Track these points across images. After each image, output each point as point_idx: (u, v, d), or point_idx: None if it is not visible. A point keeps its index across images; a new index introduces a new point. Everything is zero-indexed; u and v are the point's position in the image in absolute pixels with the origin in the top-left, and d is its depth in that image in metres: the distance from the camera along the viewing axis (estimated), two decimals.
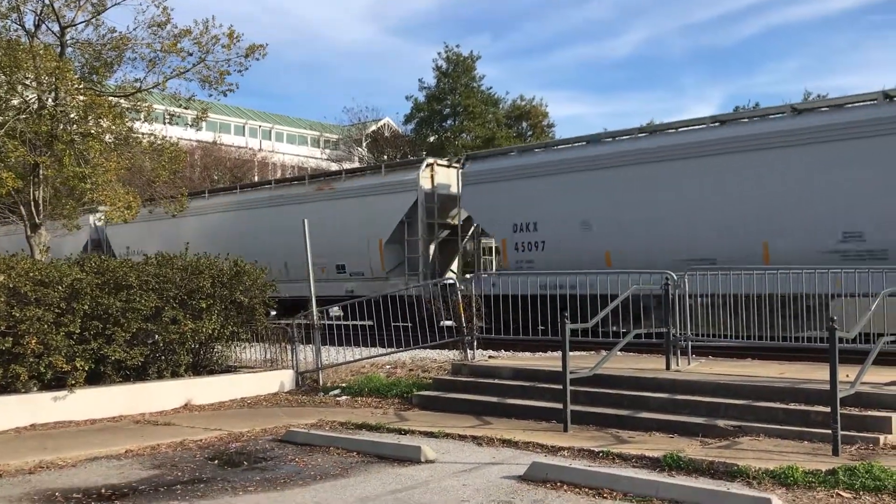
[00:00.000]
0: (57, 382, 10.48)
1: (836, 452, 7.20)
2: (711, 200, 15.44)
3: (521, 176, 18.47)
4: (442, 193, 20.74)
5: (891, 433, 7.71)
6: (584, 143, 18.35)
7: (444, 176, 20.90)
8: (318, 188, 22.85)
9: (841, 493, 6.24)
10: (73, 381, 10.41)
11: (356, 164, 46.53)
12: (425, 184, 20.50)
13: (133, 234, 25.91)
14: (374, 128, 52.02)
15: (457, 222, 21.15)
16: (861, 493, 6.20)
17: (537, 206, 18.02)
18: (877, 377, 8.75)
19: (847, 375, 7.87)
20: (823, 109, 15.07)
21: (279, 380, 12.79)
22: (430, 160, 21.22)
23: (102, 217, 23.84)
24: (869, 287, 10.21)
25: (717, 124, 16.03)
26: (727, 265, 13.12)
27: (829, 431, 7.32)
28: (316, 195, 22.57)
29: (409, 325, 13.46)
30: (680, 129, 16.88)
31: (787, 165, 14.52)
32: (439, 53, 43.34)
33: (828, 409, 7.49)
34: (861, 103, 14.42)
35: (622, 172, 16.71)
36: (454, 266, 21.67)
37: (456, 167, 20.79)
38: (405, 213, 20.41)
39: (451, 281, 14.78)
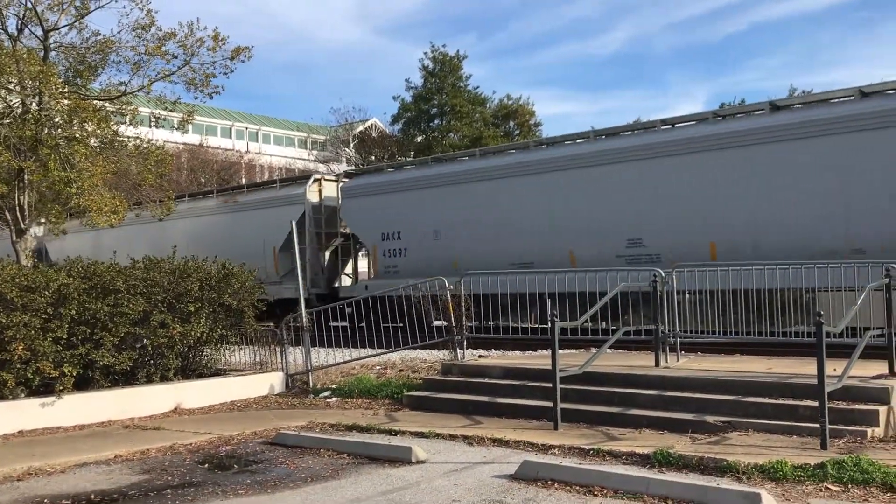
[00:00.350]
0: (45, 388, 10.41)
1: (824, 446, 7.25)
2: (528, 214, 18.24)
3: (388, 191, 21.35)
4: (329, 206, 23.16)
5: (878, 426, 7.77)
6: (440, 161, 21.91)
7: (331, 190, 23.31)
8: (225, 201, 25.40)
9: (830, 486, 6.28)
10: (61, 387, 10.34)
11: (344, 165, 46.48)
12: (313, 197, 22.88)
13: (73, 245, 25.48)
14: (361, 128, 51.96)
15: (349, 231, 23.51)
16: (849, 486, 6.24)
17: (401, 218, 20.85)
18: (864, 371, 8.81)
19: (834, 370, 7.93)
20: (626, 133, 18.02)
21: (269, 382, 12.76)
22: (318, 176, 24.20)
23: (45, 229, 24.04)
24: (843, 282, 10.43)
25: (543, 146, 19.31)
26: (543, 267, 15.42)
27: (818, 425, 7.37)
28: (223, 207, 24.87)
29: (401, 325, 13.48)
30: (507, 152, 20.29)
31: (589, 184, 17.31)
32: (426, 53, 43.44)
33: (816, 404, 7.53)
34: (633, 131, 17.86)
35: (462, 189, 19.74)
36: (348, 270, 24.04)
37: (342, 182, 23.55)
38: (295, 223, 21.35)
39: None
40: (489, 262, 17.25)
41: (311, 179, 23.38)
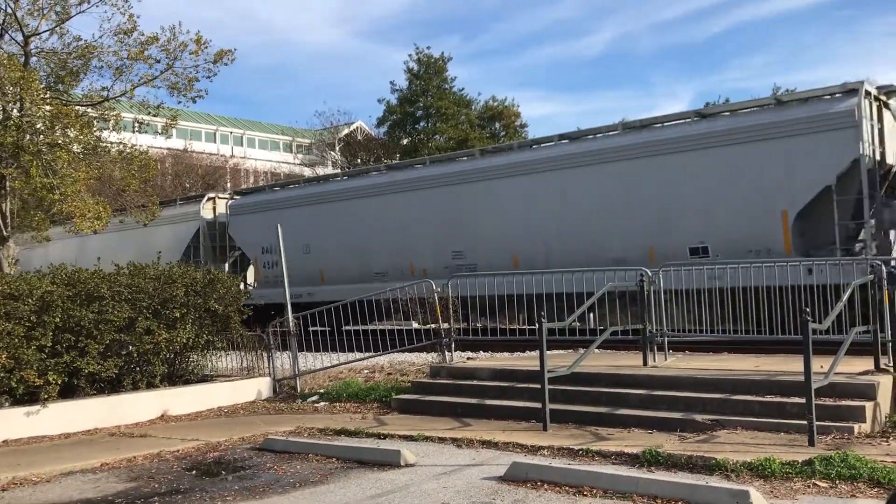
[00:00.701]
0: (29, 397, 10.31)
1: (811, 443, 7.27)
2: (379, 231, 20.41)
3: (267, 209, 23.39)
4: (223, 222, 25.26)
5: (865, 422, 7.81)
6: (312, 182, 24.71)
7: (225, 207, 25.34)
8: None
9: (817, 482, 6.30)
10: (46, 396, 10.26)
11: (329, 169, 46.37)
12: (207, 214, 25.22)
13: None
14: (346, 131, 51.86)
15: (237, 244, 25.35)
16: (837, 481, 6.27)
17: (273, 233, 21.38)
18: (850, 367, 8.86)
19: (821, 366, 7.96)
20: (462, 159, 20.51)
21: (256, 388, 12.70)
22: (212, 194, 26.04)
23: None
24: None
25: (386, 171, 21.84)
26: (393, 278, 18.25)
27: (805, 422, 7.40)
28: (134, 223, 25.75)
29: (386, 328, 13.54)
30: (367, 174, 22.81)
31: (421, 205, 19.78)
32: (410, 55, 43.43)
33: (803, 401, 7.56)
34: (461, 159, 20.51)
35: (328, 207, 21.95)
36: (249, 279, 25.17)
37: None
38: (191, 238, 25.07)
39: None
40: (352, 275, 20.12)
41: (206, 198, 25.73)
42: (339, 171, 23.76)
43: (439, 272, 17.51)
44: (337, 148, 49.31)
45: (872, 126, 14.26)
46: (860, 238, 14.28)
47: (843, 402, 8.05)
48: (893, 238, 14.48)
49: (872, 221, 13.93)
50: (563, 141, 18.03)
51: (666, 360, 10.80)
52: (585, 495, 6.37)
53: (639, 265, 12.12)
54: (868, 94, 14.15)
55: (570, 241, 16.88)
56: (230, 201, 25.16)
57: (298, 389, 12.61)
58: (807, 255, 13.87)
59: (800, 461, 6.62)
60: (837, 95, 14.33)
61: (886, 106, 14.86)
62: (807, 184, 14.16)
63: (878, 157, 14.32)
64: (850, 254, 13.87)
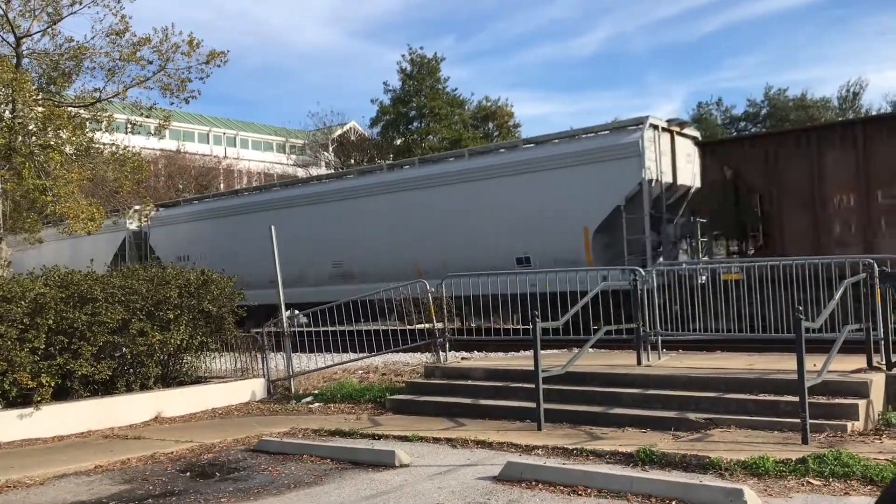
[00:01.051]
0: (22, 399, 10.28)
1: (805, 441, 7.29)
2: (252, 244, 21.36)
3: (179, 221, 26.21)
4: (146, 232, 27.42)
5: (858, 420, 7.84)
6: (219, 196, 27.42)
7: (147, 219, 27.21)
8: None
9: (811, 480, 6.32)
10: (39, 398, 10.22)
11: (323, 169, 46.32)
12: (133, 226, 27.65)
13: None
14: (340, 132, 51.79)
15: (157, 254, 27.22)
16: (831, 479, 6.29)
17: (188, 244, 25.34)
18: (843, 365, 8.89)
19: (814, 365, 7.98)
20: (313, 183, 24.01)
21: (250, 389, 12.68)
22: (138, 207, 27.44)
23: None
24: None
25: (279, 188, 24.75)
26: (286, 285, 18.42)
27: (799, 420, 7.42)
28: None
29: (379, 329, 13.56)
30: (268, 190, 25.09)
31: (306, 220, 21.85)
32: (403, 56, 43.36)
33: (796, 399, 7.58)
34: (343, 177, 23.42)
35: (228, 220, 24.30)
36: None
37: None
38: (118, 247, 27.39)
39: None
40: (249, 281, 21.07)
41: (132, 210, 27.76)
42: (241, 187, 26.59)
43: (323, 279, 21.27)
44: (330, 148, 49.26)
45: (659, 154, 16.55)
46: (658, 248, 16.70)
47: (837, 401, 8.08)
48: (683, 249, 17.12)
49: (654, 235, 16.42)
50: (406, 166, 21.37)
51: (660, 359, 10.82)
52: (580, 495, 6.38)
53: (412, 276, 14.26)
54: (655, 126, 16.53)
55: (407, 252, 19.51)
56: (151, 213, 27.04)
57: (293, 390, 12.59)
58: (607, 265, 16.10)
59: (793, 459, 6.64)
60: (629, 128, 16.74)
61: (682, 134, 17.39)
62: (602, 204, 16.55)
63: (668, 180, 16.80)
64: (643, 263, 15.46)
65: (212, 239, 24.58)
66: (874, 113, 40.91)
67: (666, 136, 16.95)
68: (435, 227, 19.06)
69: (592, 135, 17.32)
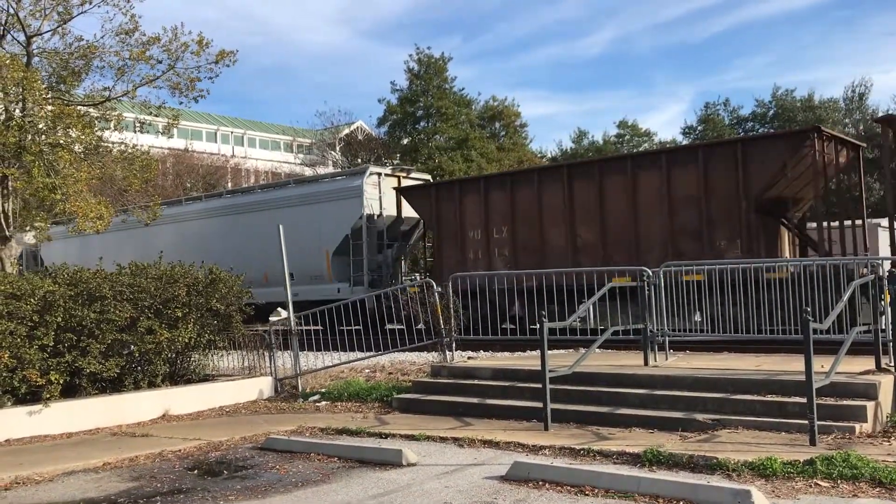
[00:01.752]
0: (31, 396, 10.32)
1: (813, 442, 7.28)
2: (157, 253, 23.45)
3: (66, 237, 26.19)
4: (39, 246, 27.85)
5: (866, 422, 7.82)
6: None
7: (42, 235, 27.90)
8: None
9: (819, 482, 6.31)
10: (48, 395, 10.27)
11: (330, 168, 46.39)
12: (30, 240, 26.67)
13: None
14: (347, 131, 51.83)
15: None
16: (839, 481, 6.28)
17: (73, 259, 26.03)
18: (851, 367, 8.87)
19: (822, 366, 7.97)
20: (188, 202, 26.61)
21: (258, 387, 12.71)
22: (39, 223, 28.17)
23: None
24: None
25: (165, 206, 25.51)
26: None
27: (806, 422, 7.40)
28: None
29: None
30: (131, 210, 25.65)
31: (179, 237, 24.10)
32: (410, 55, 43.38)
33: (804, 400, 7.57)
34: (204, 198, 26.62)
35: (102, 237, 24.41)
36: None
37: None
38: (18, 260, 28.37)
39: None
40: None
41: (29, 227, 28.45)
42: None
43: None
44: (337, 148, 49.31)
45: (381, 195, 20.94)
46: (379, 267, 21.06)
47: (845, 402, 8.06)
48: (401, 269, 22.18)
49: (381, 256, 20.98)
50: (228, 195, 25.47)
51: (667, 359, 10.81)
52: (587, 495, 6.38)
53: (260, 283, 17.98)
54: (378, 174, 21.18)
55: (256, 262, 21.45)
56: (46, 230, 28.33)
57: (300, 389, 12.62)
58: (344, 280, 20.85)
59: (801, 461, 6.63)
60: (356, 175, 21.58)
61: (409, 178, 21.88)
62: (337, 233, 20.91)
63: (391, 214, 21.22)
64: (372, 278, 20.55)
65: (106, 254, 26.12)
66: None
67: (392, 180, 21.42)
68: (256, 244, 22.12)
69: (340, 178, 22.75)
